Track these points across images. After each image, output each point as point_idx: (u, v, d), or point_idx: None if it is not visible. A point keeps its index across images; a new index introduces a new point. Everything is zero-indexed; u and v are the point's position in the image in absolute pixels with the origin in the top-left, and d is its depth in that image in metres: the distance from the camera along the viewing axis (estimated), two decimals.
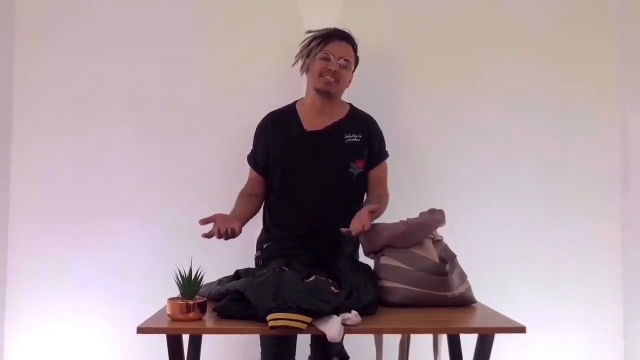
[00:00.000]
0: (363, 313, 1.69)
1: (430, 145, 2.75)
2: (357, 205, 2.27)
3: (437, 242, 2.01)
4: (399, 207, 2.27)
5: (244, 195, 2.29)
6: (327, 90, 2.22)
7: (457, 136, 2.76)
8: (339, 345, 2.25)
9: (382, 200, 2.24)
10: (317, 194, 2.21)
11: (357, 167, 2.25)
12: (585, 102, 2.78)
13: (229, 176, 2.61)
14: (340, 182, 2.23)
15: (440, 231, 2.06)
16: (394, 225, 2.01)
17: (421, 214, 2.08)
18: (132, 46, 2.74)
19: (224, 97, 2.71)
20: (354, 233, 2.01)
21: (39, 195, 2.71)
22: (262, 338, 2.24)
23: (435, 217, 2.03)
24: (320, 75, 2.20)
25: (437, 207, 2.07)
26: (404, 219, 2.04)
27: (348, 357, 2.28)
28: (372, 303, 1.79)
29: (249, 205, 2.27)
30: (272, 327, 1.57)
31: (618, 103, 2.79)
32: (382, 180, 2.33)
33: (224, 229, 2.02)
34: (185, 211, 2.70)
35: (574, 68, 2.78)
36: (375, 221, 2.10)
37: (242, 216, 2.19)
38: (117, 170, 2.71)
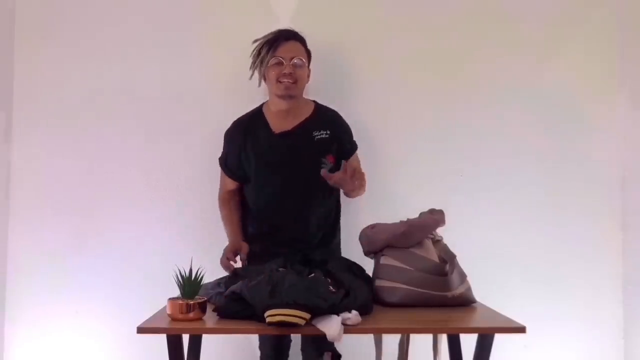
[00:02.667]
0: (359, 312, 1.69)
1: (430, 145, 2.75)
2: (333, 199, 2.36)
3: (437, 242, 2.01)
4: (399, 207, 2.27)
5: (228, 202, 2.38)
6: (288, 94, 2.25)
7: (457, 136, 2.76)
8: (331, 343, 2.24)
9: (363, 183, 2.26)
10: (293, 193, 2.26)
11: (328, 162, 2.28)
12: (585, 102, 2.78)
13: None
14: (315, 179, 2.22)
15: (440, 231, 2.06)
16: (394, 225, 2.01)
17: (421, 214, 2.08)
18: (132, 46, 2.74)
19: (224, 97, 2.71)
20: (331, 180, 2.09)
21: (38, 196, 2.72)
22: (260, 339, 2.29)
23: (435, 217, 2.03)
24: (278, 81, 2.24)
25: (437, 207, 2.07)
26: (404, 219, 2.04)
27: (340, 356, 2.27)
28: (368, 302, 1.79)
29: (239, 212, 2.36)
30: (270, 324, 1.57)
31: (618, 103, 2.79)
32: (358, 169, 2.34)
33: (235, 258, 2.18)
34: (186, 211, 2.70)
35: (574, 68, 2.78)
36: (376, 221, 2.11)
37: (240, 230, 2.32)
38: (116, 170, 2.71)
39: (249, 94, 2.66)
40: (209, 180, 2.52)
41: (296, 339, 2.40)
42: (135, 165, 2.72)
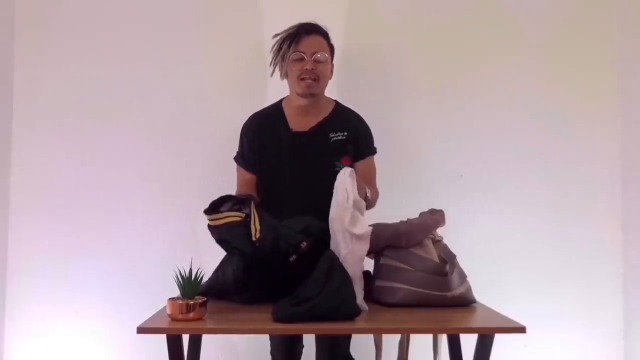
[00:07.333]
0: (323, 317, 1.64)
1: (431, 145, 2.75)
2: None
3: (437, 242, 2.00)
4: (399, 207, 2.27)
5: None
6: (310, 92, 2.19)
7: (458, 137, 2.76)
8: (345, 350, 2.26)
9: (372, 191, 2.18)
10: (304, 194, 2.20)
11: (342, 165, 2.22)
12: (585, 102, 2.78)
13: (228, 175, 2.60)
14: (327, 182, 2.15)
15: (440, 231, 2.06)
16: (394, 225, 2.00)
17: (421, 214, 2.08)
18: (132, 46, 2.74)
19: (223, 97, 2.72)
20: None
21: (38, 196, 2.72)
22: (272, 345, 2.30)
23: (435, 218, 2.03)
24: (299, 78, 2.17)
25: (437, 208, 2.07)
26: (404, 219, 2.04)
27: None
28: (332, 309, 1.66)
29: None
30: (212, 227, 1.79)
31: (618, 103, 2.79)
32: (369, 177, 2.27)
33: None
34: (185, 211, 2.70)
35: (574, 68, 2.78)
36: (376, 221, 2.10)
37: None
38: (117, 170, 2.72)
39: (249, 95, 2.67)
40: (208, 180, 2.53)
41: (308, 347, 2.37)
42: (135, 165, 2.72)
